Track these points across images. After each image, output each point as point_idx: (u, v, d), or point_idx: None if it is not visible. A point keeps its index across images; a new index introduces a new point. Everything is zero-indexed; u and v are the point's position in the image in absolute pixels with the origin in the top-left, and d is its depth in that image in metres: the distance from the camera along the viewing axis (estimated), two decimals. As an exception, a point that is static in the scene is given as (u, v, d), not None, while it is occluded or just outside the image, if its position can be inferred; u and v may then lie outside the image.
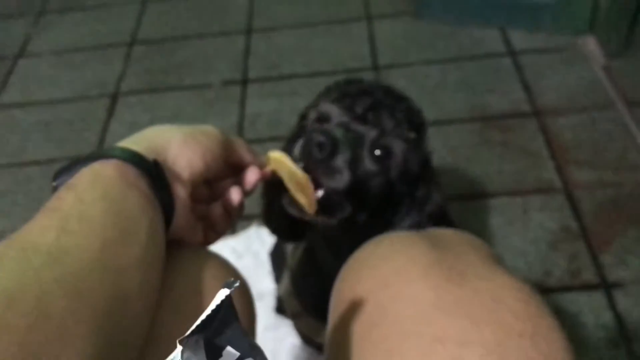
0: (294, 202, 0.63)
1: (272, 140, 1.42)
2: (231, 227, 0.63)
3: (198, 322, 0.27)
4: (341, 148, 0.62)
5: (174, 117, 1.57)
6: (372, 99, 0.65)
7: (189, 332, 0.27)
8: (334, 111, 0.66)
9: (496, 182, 1.31)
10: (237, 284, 0.29)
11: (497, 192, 1.29)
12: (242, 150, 0.61)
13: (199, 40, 1.82)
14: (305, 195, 0.62)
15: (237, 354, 0.28)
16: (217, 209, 0.59)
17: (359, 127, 0.64)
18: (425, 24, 1.73)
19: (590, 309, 1.08)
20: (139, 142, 0.52)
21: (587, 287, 1.11)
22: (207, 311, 0.27)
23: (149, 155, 0.50)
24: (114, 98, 1.66)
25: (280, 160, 0.62)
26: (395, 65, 1.63)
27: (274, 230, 0.81)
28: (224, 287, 0.28)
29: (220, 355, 0.27)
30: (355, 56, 1.67)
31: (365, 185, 0.65)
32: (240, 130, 1.49)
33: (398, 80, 1.57)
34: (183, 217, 0.53)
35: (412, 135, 0.66)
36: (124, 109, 1.62)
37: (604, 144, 1.35)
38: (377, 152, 0.64)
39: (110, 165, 0.47)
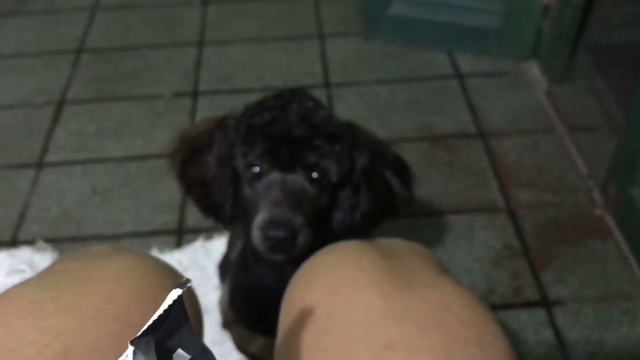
0: None
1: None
2: None
3: (149, 322, 0.26)
4: (299, 226, 0.67)
5: (121, 127, 1.54)
6: (292, 143, 0.69)
7: (140, 332, 0.26)
8: (263, 166, 0.70)
9: (442, 201, 1.33)
10: (189, 284, 0.28)
11: (443, 210, 1.31)
12: None
13: (149, 51, 1.79)
14: None
15: (188, 356, 0.28)
16: None
17: (290, 177, 0.69)
18: (376, 44, 1.77)
19: (532, 325, 1.11)
20: None
21: (528, 304, 1.14)
22: (159, 312, 0.27)
23: None
24: (60, 106, 1.62)
25: None
26: (346, 84, 1.65)
27: (202, 208, 0.82)
28: (175, 288, 0.28)
29: (171, 358, 0.27)
30: (307, 73, 1.69)
31: (314, 212, 0.70)
32: (189, 142, 1.48)
33: (349, 98, 1.60)
34: None
35: (337, 148, 0.70)
36: (70, 117, 1.58)
37: (545, 166, 1.40)
38: (314, 174, 0.70)
39: None
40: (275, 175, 0.70)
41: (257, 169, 0.70)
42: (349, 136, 0.73)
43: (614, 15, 1.76)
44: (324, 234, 0.73)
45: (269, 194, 0.69)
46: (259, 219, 0.68)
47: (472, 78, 1.65)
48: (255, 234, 0.68)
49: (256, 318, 0.86)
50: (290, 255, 0.69)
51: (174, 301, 0.27)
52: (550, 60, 1.58)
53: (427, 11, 1.69)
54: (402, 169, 0.79)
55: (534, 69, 1.65)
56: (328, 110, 0.74)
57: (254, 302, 0.85)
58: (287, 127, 0.69)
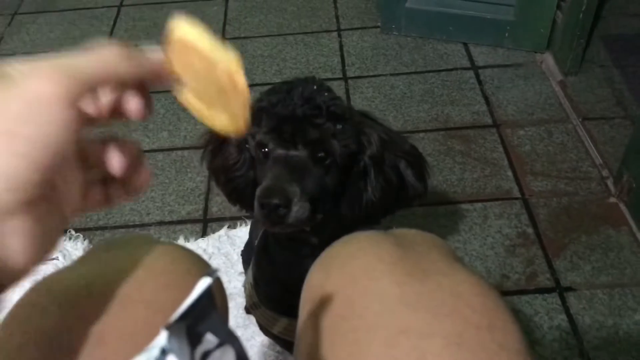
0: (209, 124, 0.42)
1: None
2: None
3: (182, 309, 0.28)
4: (294, 197, 0.69)
5: (148, 120, 1.59)
6: (295, 121, 0.72)
7: (173, 318, 0.28)
8: (269, 145, 0.74)
9: (458, 190, 1.36)
10: (217, 273, 0.30)
11: (458, 199, 1.34)
12: (115, 71, 0.37)
13: (172, 46, 1.84)
14: (224, 102, 0.38)
15: (217, 340, 0.29)
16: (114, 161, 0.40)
17: (292, 153, 0.72)
18: (392, 37, 1.80)
19: (545, 311, 1.14)
20: None
21: (542, 290, 1.17)
22: (190, 299, 0.29)
23: None
24: (88, 101, 1.67)
25: (188, 43, 0.38)
26: (363, 76, 1.68)
27: (227, 195, 0.86)
28: (205, 276, 0.30)
29: (201, 342, 0.29)
30: (325, 66, 1.72)
31: (318, 190, 0.73)
32: (212, 135, 1.53)
33: (366, 90, 1.62)
34: (32, 252, 0.35)
35: (339, 127, 0.73)
36: (98, 111, 1.63)
37: (559, 156, 1.42)
38: (320, 153, 0.73)
39: None
40: (279, 152, 0.73)
41: (266, 149, 0.74)
42: (356, 120, 0.76)
43: (629, 5, 1.76)
44: (335, 219, 0.76)
45: (273, 169, 0.72)
46: (258, 190, 0.71)
47: (487, 69, 1.67)
48: (255, 204, 0.71)
49: (279, 300, 0.89)
50: (287, 226, 0.70)
51: (204, 289, 0.29)
52: (564, 51, 1.59)
53: (443, 4, 1.71)
54: (416, 161, 0.81)
55: (548, 60, 1.66)
56: (333, 93, 0.76)
57: (276, 285, 0.89)
58: (290, 107, 0.72)
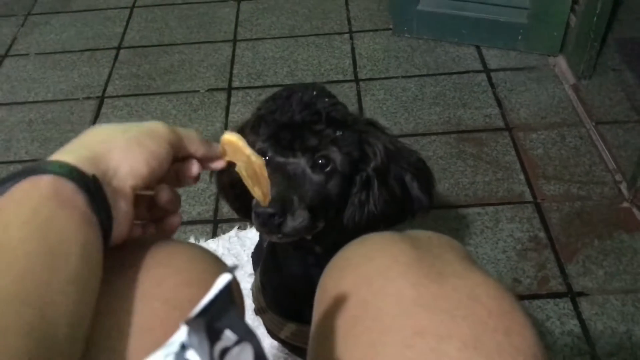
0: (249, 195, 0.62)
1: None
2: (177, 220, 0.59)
3: (201, 305, 0.29)
4: (290, 206, 0.68)
5: (159, 121, 1.59)
6: (293, 128, 0.71)
7: (192, 314, 0.28)
8: (269, 153, 0.73)
9: (469, 193, 1.36)
10: (236, 270, 0.31)
11: (469, 202, 1.34)
12: (194, 145, 0.56)
13: (185, 48, 1.85)
14: (259, 184, 0.60)
15: (235, 337, 0.29)
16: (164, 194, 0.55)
17: (291, 161, 0.72)
18: (404, 40, 1.80)
19: (557, 316, 1.13)
20: (78, 150, 0.48)
21: (553, 295, 1.16)
22: (210, 295, 0.29)
23: (89, 166, 0.46)
24: (100, 100, 1.68)
25: (234, 145, 0.58)
26: (375, 78, 1.68)
27: (235, 209, 0.85)
28: (225, 273, 0.30)
29: (220, 338, 0.29)
30: (337, 68, 1.72)
31: (318, 198, 0.71)
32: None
33: (377, 93, 1.62)
34: (124, 227, 0.50)
35: (339, 133, 0.72)
36: (110, 111, 1.64)
37: (572, 160, 1.41)
38: (320, 160, 0.71)
39: (44, 183, 0.44)
40: (278, 160, 0.72)
41: (266, 157, 0.72)
42: (360, 127, 0.75)
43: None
44: (338, 228, 0.75)
45: (271, 177, 0.69)
46: (254, 199, 0.70)
47: (500, 72, 1.66)
48: (252, 214, 0.70)
49: (286, 305, 0.89)
50: (284, 235, 0.69)
51: (223, 286, 0.30)
52: (577, 55, 1.58)
53: (455, 6, 1.71)
54: (422, 174, 0.79)
55: (561, 64, 1.65)
56: (335, 99, 0.75)
57: (284, 291, 0.88)
58: (289, 114, 0.71)
